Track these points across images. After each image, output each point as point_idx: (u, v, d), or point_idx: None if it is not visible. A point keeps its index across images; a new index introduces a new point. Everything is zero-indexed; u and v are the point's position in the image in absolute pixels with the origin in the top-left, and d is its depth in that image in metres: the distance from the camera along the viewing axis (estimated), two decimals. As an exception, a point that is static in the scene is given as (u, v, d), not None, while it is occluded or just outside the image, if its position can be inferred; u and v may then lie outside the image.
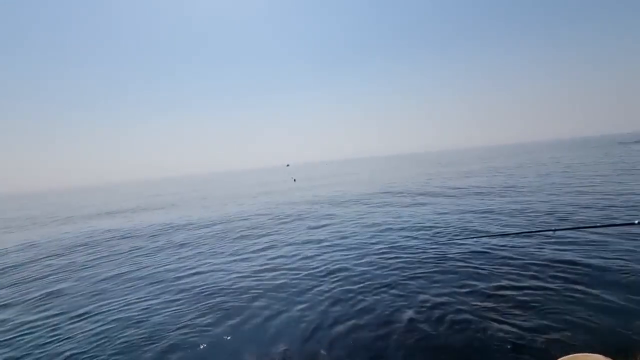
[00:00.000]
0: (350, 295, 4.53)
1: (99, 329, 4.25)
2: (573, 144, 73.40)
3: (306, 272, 5.55)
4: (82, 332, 4.22)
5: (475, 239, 6.44)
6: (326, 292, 4.70)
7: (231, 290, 5.09)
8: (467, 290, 4.37)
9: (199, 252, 7.63)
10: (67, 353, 3.75)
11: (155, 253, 8.01)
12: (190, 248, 8.16)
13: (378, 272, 5.26)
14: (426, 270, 5.12)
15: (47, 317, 4.81)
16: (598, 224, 6.06)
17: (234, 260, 6.68)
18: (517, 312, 3.70)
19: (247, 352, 3.48)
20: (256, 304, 4.54)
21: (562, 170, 17.49)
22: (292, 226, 9.61)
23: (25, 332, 4.42)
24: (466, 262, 5.28)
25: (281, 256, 6.66)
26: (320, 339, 3.58)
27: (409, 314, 3.89)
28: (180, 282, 5.71)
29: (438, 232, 7.29)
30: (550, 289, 4.14)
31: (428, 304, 4.08)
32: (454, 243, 6.33)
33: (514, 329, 3.38)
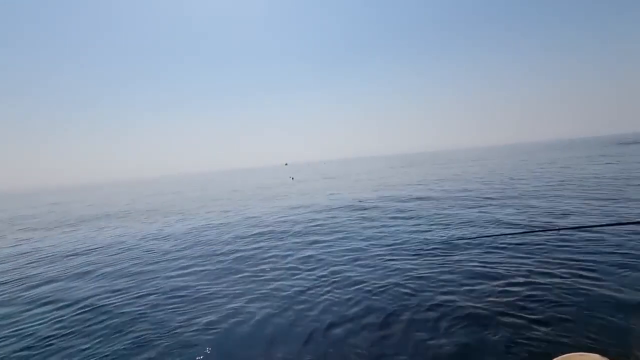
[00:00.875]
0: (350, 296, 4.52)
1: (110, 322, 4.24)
2: (571, 144, 73.72)
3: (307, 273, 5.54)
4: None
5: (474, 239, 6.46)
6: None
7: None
8: (466, 289, 4.36)
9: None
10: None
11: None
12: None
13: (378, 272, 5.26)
14: (428, 271, 5.11)
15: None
16: (603, 223, 6.07)
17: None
18: (515, 311, 3.70)
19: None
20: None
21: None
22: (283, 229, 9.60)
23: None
24: (463, 263, 5.28)
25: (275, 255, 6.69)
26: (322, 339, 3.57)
27: (408, 314, 3.89)
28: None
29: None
30: (549, 288, 4.13)
31: (428, 303, 4.08)
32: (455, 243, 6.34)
33: (513, 329, 3.37)
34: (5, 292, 6.11)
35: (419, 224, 8.16)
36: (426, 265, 5.28)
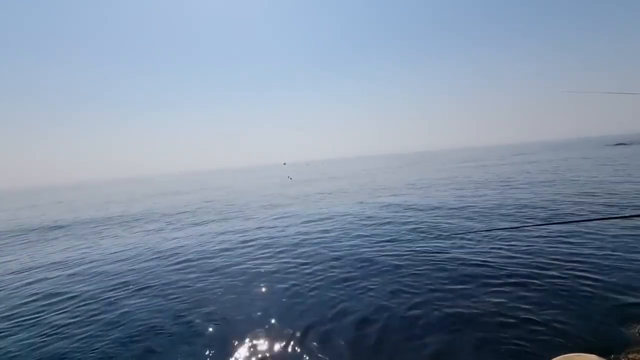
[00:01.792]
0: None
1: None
2: (569, 144, 73.82)
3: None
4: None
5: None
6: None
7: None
8: (462, 287, 4.37)
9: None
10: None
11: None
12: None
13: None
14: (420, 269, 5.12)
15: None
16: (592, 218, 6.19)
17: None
18: (513, 310, 3.71)
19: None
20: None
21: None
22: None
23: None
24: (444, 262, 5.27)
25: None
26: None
27: (402, 309, 3.91)
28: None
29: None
30: (547, 288, 4.15)
31: (421, 301, 4.10)
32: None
33: (511, 328, 3.38)
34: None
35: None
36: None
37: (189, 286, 5.32)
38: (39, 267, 7.61)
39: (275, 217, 11.24)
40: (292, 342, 3.52)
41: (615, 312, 3.49)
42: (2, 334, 4.33)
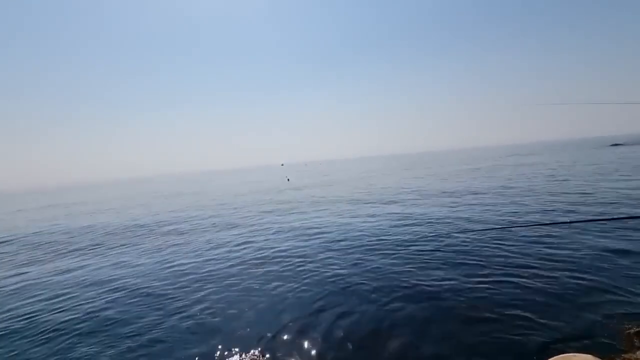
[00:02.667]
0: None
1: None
2: (567, 144, 74.07)
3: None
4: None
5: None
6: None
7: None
8: (460, 284, 4.44)
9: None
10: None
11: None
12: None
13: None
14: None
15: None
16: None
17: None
18: (511, 309, 3.74)
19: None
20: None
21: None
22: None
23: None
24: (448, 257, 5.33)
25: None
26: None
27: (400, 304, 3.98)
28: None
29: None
30: (545, 286, 4.20)
31: (425, 295, 4.19)
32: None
33: (509, 327, 3.42)
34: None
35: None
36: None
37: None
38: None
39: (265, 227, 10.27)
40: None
41: (610, 312, 3.52)
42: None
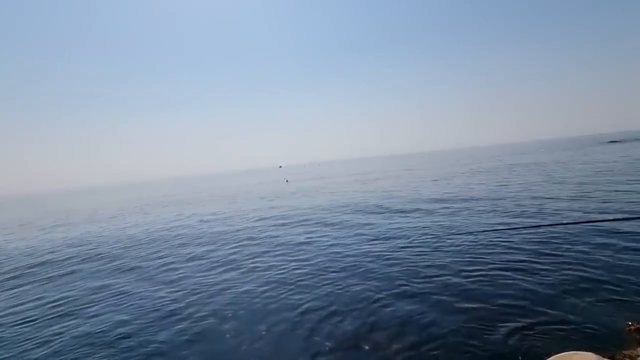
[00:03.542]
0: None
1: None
2: (565, 143, 74.20)
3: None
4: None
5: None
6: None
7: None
8: (459, 284, 4.45)
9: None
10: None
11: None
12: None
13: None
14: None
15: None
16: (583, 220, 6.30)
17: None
18: (510, 308, 3.75)
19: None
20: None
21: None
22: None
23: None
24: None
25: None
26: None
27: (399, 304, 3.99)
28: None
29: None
30: (545, 286, 4.20)
31: (417, 298, 4.19)
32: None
33: (508, 327, 3.41)
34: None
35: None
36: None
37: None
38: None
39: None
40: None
41: (610, 310, 3.53)
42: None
